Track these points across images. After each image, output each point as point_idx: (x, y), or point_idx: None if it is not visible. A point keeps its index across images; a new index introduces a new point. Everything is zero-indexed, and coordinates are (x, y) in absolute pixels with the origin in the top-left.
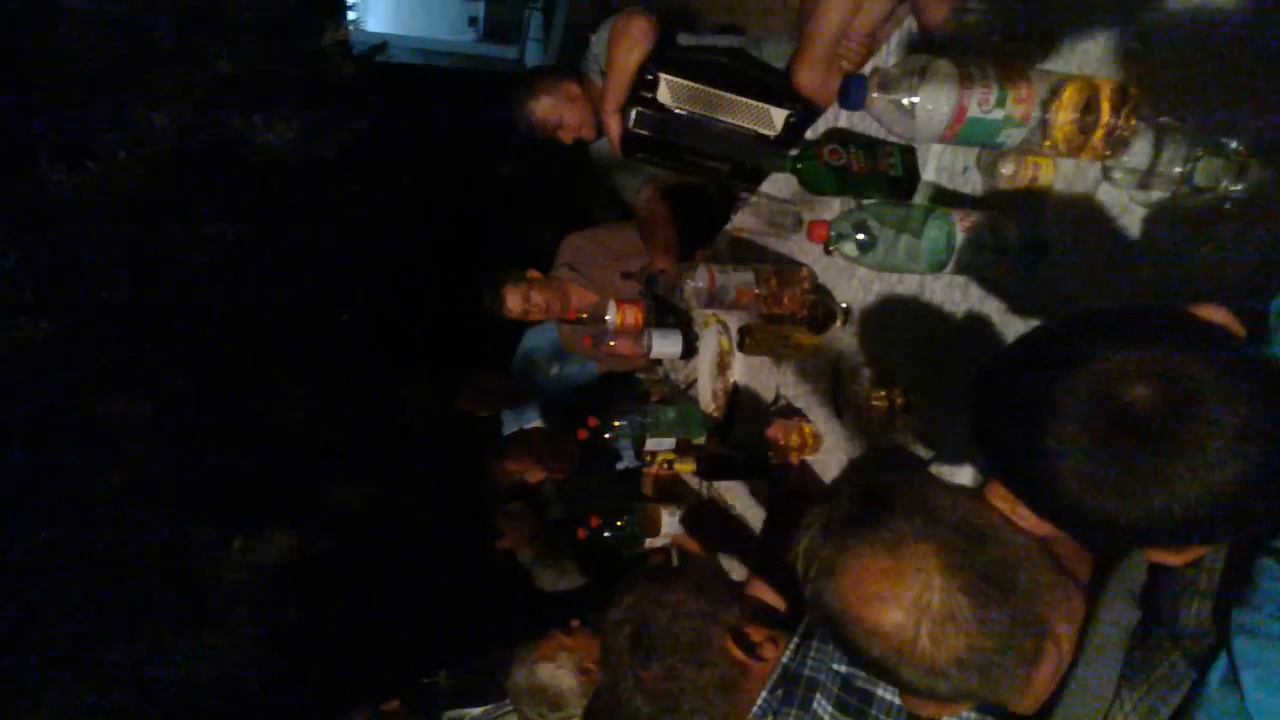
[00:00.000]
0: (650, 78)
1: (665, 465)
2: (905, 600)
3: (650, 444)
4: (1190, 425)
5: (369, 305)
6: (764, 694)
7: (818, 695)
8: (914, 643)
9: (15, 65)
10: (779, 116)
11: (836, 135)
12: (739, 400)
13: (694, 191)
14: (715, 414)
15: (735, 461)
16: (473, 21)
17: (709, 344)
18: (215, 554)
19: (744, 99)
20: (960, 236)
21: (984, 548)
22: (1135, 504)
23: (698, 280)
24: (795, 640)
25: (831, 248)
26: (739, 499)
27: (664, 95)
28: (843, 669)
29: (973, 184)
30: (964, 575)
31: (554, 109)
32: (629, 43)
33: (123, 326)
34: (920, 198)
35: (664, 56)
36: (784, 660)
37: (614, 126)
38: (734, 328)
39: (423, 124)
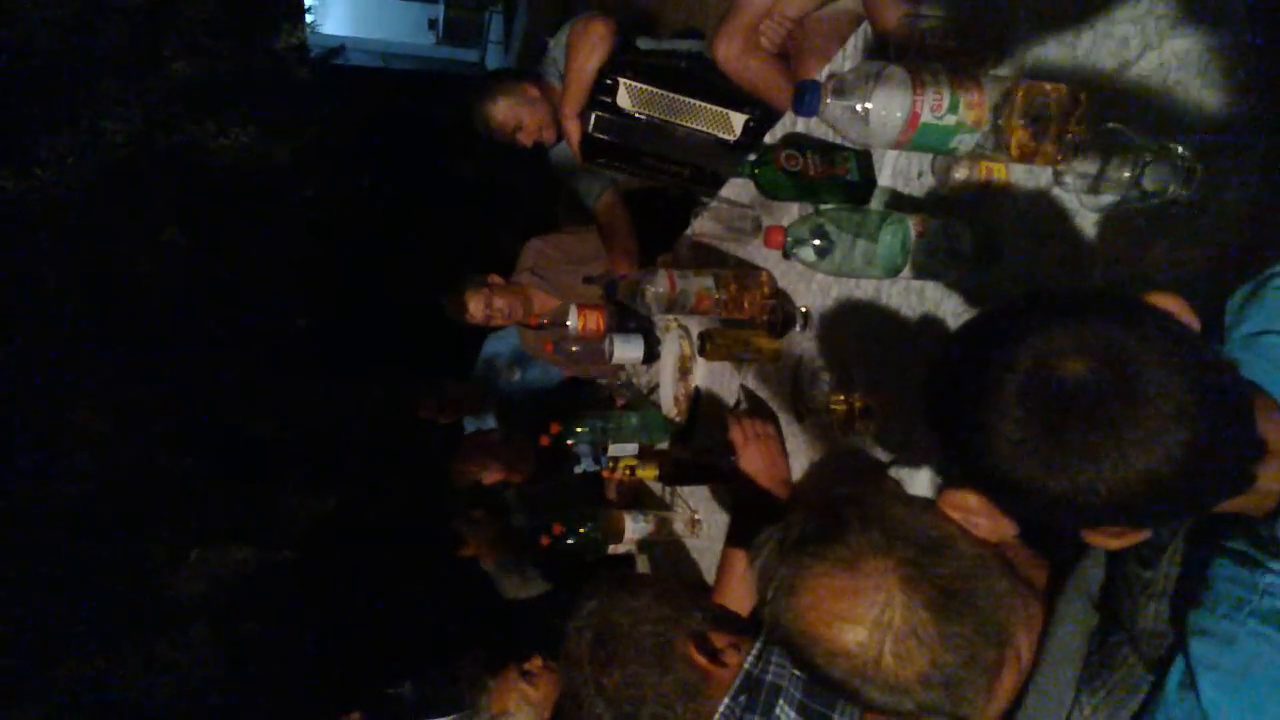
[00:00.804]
0: (609, 82)
1: (627, 471)
2: (867, 619)
3: (612, 449)
4: (1124, 404)
5: (327, 312)
6: (726, 700)
7: (780, 701)
8: (877, 661)
9: None
10: (738, 121)
11: (794, 140)
12: (701, 405)
13: (654, 196)
14: (677, 419)
15: (696, 466)
16: (432, 24)
17: (670, 349)
18: (172, 566)
19: (703, 103)
20: (915, 241)
21: (942, 560)
22: (1063, 476)
23: (658, 285)
24: (758, 646)
25: (789, 253)
26: (702, 504)
27: (623, 100)
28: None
29: (927, 188)
30: (924, 590)
31: (512, 111)
32: (588, 47)
33: (74, 336)
34: (877, 203)
35: (623, 61)
36: (747, 666)
37: (573, 131)
38: (695, 332)
39: (382, 127)
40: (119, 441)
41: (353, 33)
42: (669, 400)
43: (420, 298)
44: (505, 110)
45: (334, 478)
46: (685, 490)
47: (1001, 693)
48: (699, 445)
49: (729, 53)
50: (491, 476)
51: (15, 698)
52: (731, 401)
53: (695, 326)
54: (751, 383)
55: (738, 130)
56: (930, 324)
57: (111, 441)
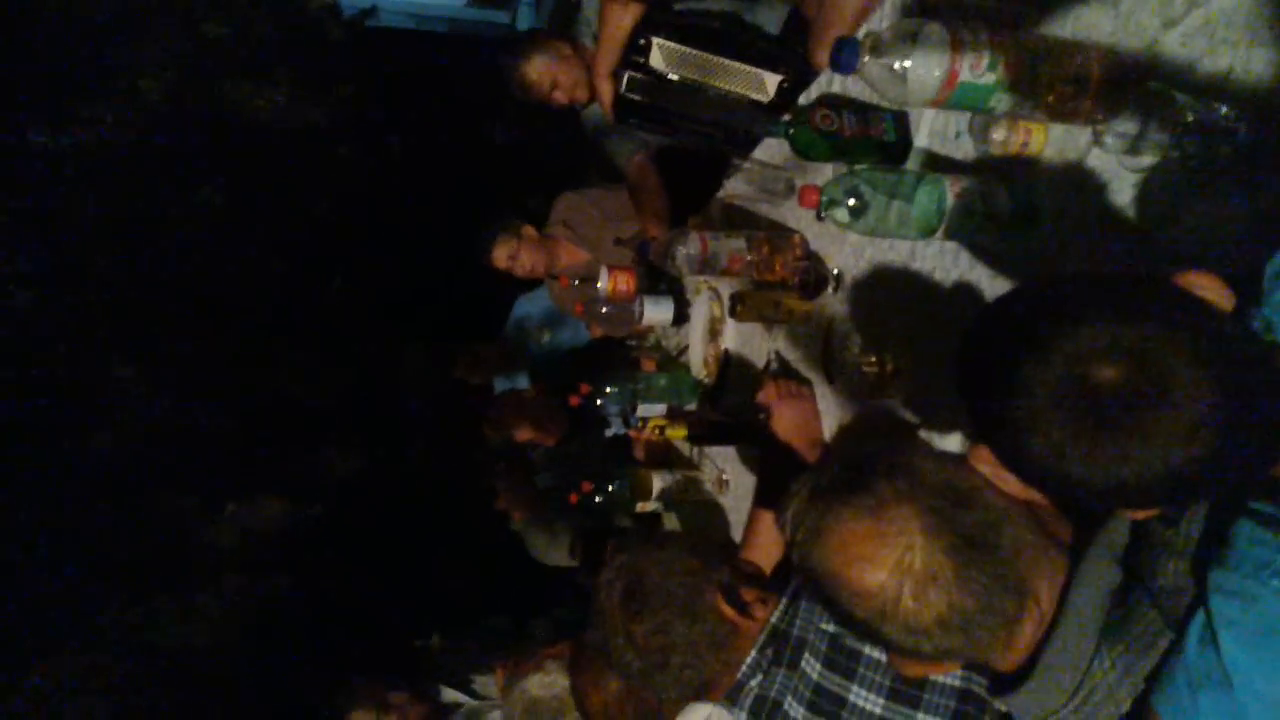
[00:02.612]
0: (642, 42)
1: (656, 431)
2: (888, 562)
3: (641, 409)
4: (1156, 408)
5: (360, 271)
6: (753, 653)
7: (806, 654)
8: (897, 603)
9: None
10: (772, 81)
11: (829, 100)
12: (730, 367)
13: (686, 157)
14: (706, 380)
15: (725, 427)
16: None
17: (700, 310)
18: (207, 519)
19: (737, 63)
20: (951, 202)
21: (966, 510)
22: (1094, 473)
23: (689, 247)
24: (784, 601)
25: (823, 214)
26: (730, 465)
27: (656, 59)
28: (831, 628)
29: (964, 149)
30: (945, 537)
31: (547, 70)
32: (621, 5)
33: (112, 293)
34: (913, 163)
35: (656, 20)
36: (773, 620)
37: (605, 91)
38: (725, 294)
39: (414, 89)
40: (156, 397)
41: None
42: (698, 361)
43: (451, 257)
44: (539, 69)
45: (367, 436)
46: (713, 450)
47: (1021, 642)
48: (728, 406)
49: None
50: (523, 435)
51: (59, 647)
52: (761, 364)
53: (726, 288)
54: (782, 345)
55: (771, 91)
56: (964, 287)
57: (148, 397)
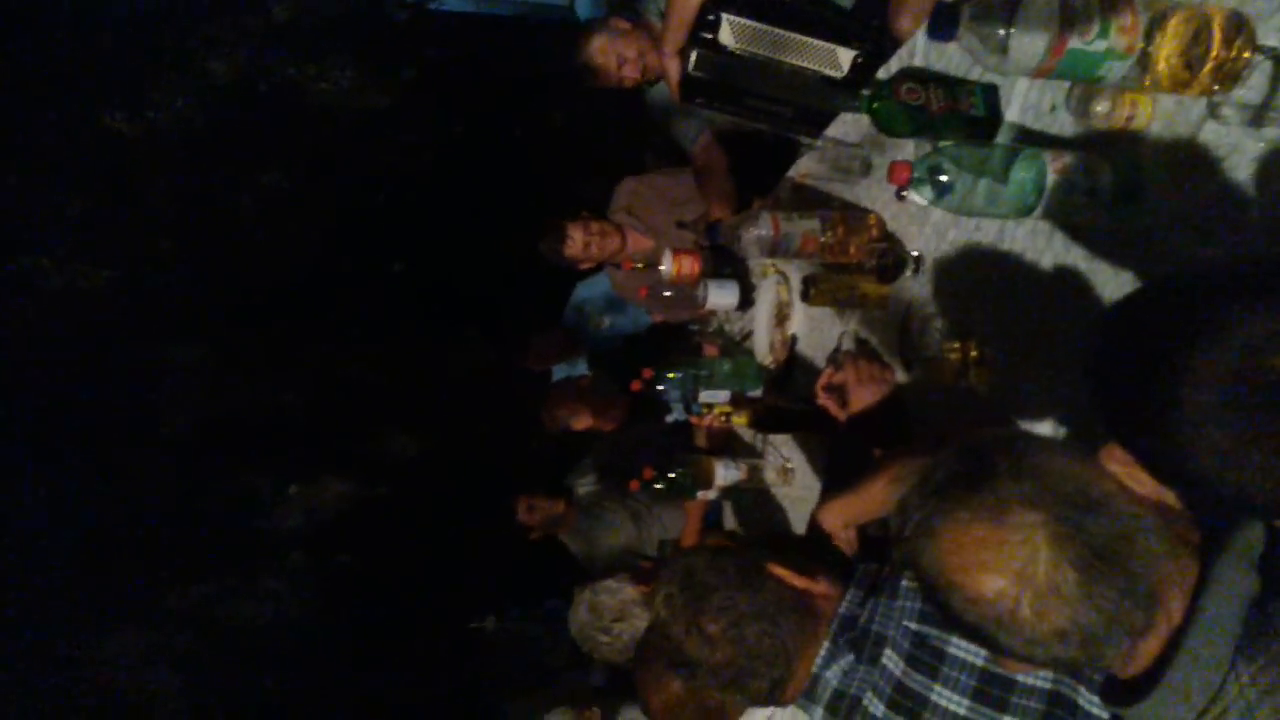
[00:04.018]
0: (711, 18)
1: (722, 418)
2: (1008, 570)
3: (703, 396)
4: None
5: (422, 256)
6: (826, 644)
7: (888, 650)
8: (1014, 613)
9: (75, 15)
10: (846, 57)
11: (912, 74)
12: (798, 353)
13: (753, 138)
14: (772, 366)
15: (792, 414)
16: None
17: (767, 294)
18: (273, 499)
19: (810, 39)
20: (1051, 179)
21: (1097, 519)
22: (1268, 482)
23: (761, 228)
24: (857, 592)
25: (904, 192)
26: (795, 454)
27: (725, 36)
28: (915, 625)
29: (1061, 125)
30: (1073, 548)
31: (610, 48)
32: None
33: (182, 275)
34: (1003, 139)
35: None
36: (842, 610)
37: (673, 70)
38: (793, 277)
39: (474, 73)
40: (223, 378)
41: None
42: (764, 347)
43: (512, 244)
44: (601, 49)
45: (427, 419)
46: (777, 439)
47: (1145, 651)
48: (795, 393)
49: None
50: (582, 423)
51: (129, 622)
52: (832, 349)
53: (793, 272)
54: (856, 330)
55: (845, 67)
56: (1059, 270)
57: (216, 378)
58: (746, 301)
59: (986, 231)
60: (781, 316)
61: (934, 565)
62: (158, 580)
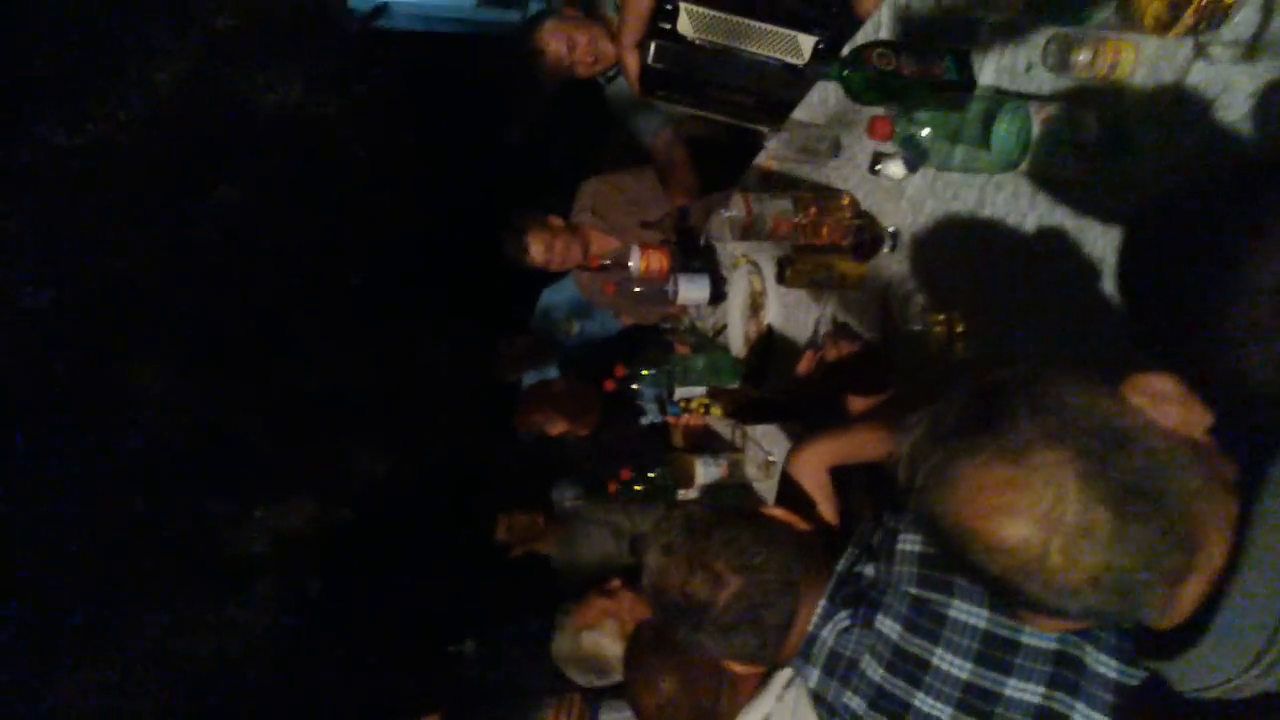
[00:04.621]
0: (669, 7)
1: (701, 409)
2: (1033, 513)
3: (680, 392)
4: None
5: (381, 269)
6: (823, 601)
7: (882, 615)
8: (1042, 559)
9: (7, 25)
10: (807, 44)
11: (883, 42)
12: (774, 342)
13: (715, 131)
14: (748, 358)
15: (771, 403)
16: None
17: (739, 285)
18: (236, 524)
19: (769, 26)
20: (1037, 131)
21: (1126, 453)
22: None
23: (732, 209)
24: (854, 550)
25: (877, 168)
26: (776, 447)
27: (684, 26)
28: (913, 590)
29: (1039, 83)
30: (1103, 485)
31: (559, 32)
32: None
33: (130, 294)
34: (976, 105)
35: None
36: (839, 568)
37: (631, 63)
38: (766, 266)
39: (426, 88)
40: (178, 399)
41: None
42: (738, 339)
43: (475, 251)
44: (551, 33)
45: (395, 435)
46: (757, 432)
47: (1186, 599)
48: (772, 385)
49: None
50: (556, 428)
51: (87, 658)
52: (808, 335)
53: (766, 260)
54: (833, 313)
55: (806, 54)
56: (1044, 231)
57: (171, 399)
58: (718, 295)
59: (964, 200)
60: (755, 306)
61: (950, 515)
62: (112, 613)
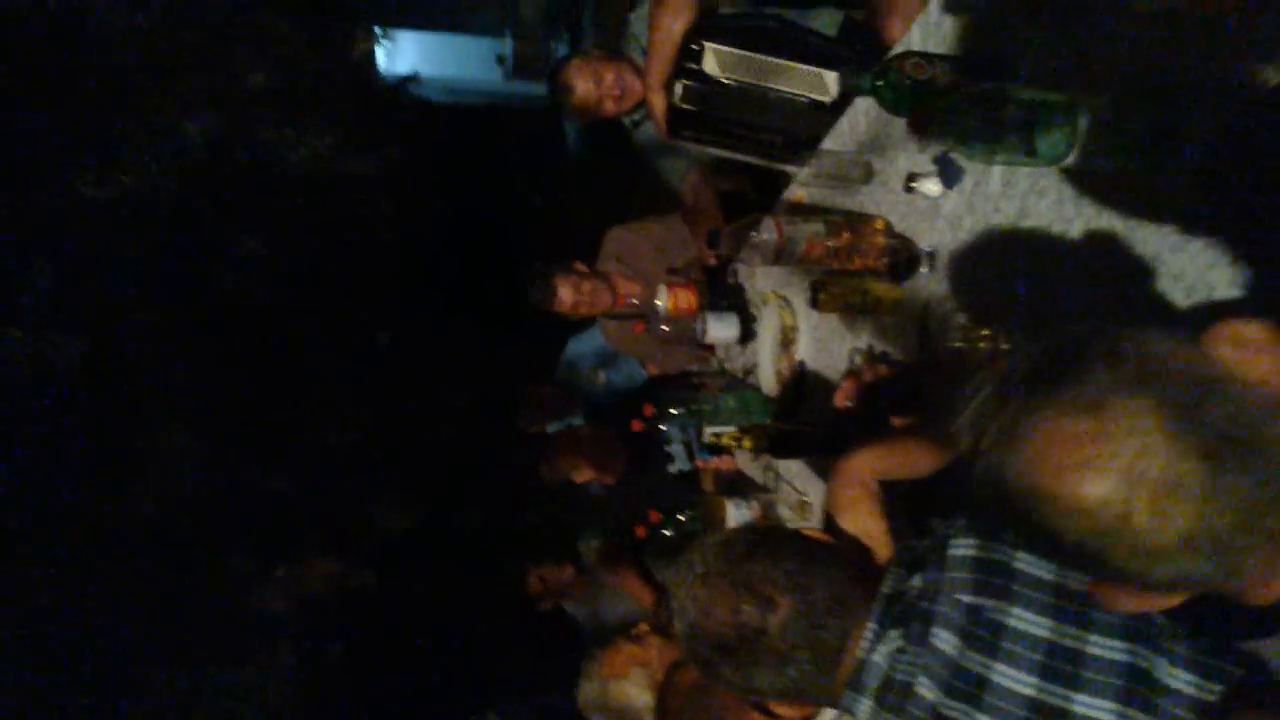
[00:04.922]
0: (695, 47)
1: (732, 443)
2: (1115, 467)
3: (709, 432)
4: None
5: (407, 321)
6: (871, 625)
7: (938, 628)
8: (1127, 519)
9: (43, 77)
10: (833, 79)
11: (917, 52)
12: (806, 379)
13: (741, 171)
14: (779, 395)
15: (805, 436)
16: (500, 60)
17: (769, 322)
18: (258, 583)
19: (796, 63)
20: (1084, 122)
21: (1215, 401)
22: None
23: (763, 232)
24: (899, 570)
25: (912, 185)
26: (810, 486)
27: (710, 65)
28: (968, 598)
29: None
30: (1191, 435)
31: (587, 71)
32: (671, 12)
33: (157, 346)
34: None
35: (709, 25)
36: (885, 590)
37: (658, 104)
38: (796, 301)
39: (455, 153)
40: (201, 456)
41: (422, 72)
42: (770, 377)
43: (500, 302)
44: (580, 73)
45: (419, 490)
46: (790, 473)
47: None
48: (807, 419)
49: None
50: (583, 475)
51: None
52: (842, 371)
53: (796, 296)
54: (867, 342)
55: (833, 90)
56: (1093, 236)
57: (194, 456)
58: (748, 334)
59: (1005, 212)
60: (787, 341)
61: (1022, 476)
62: (130, 677)
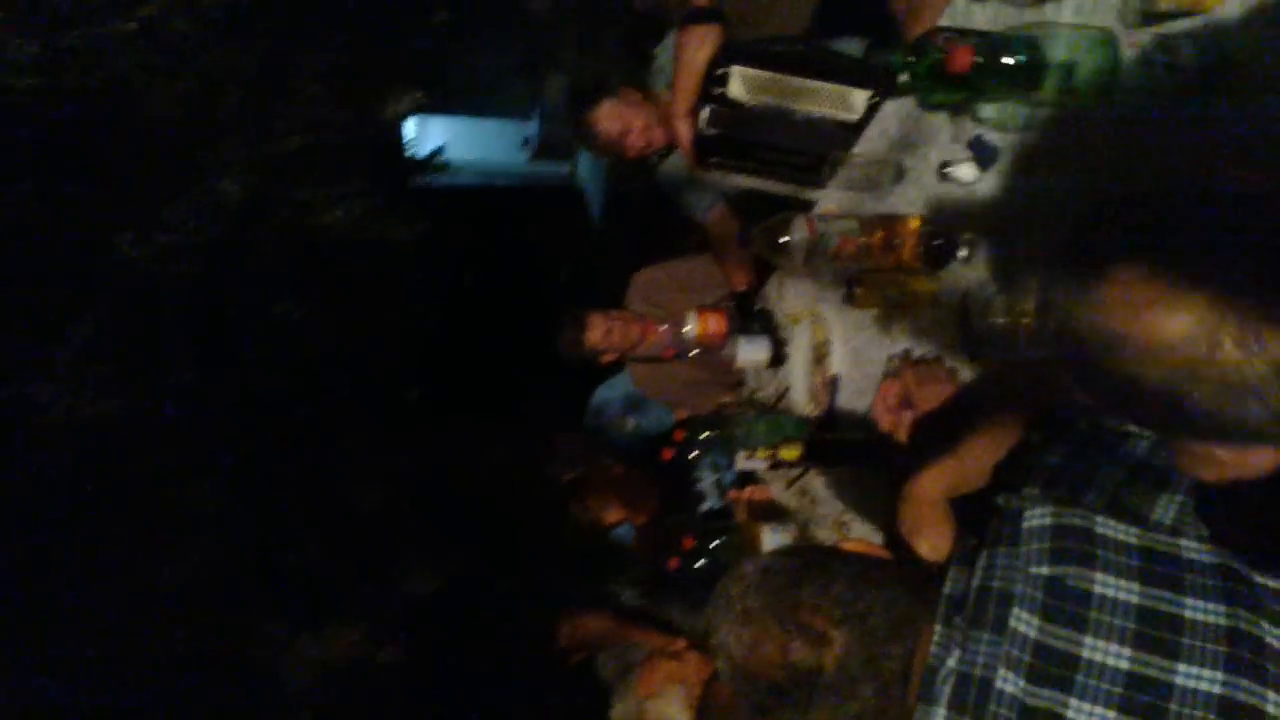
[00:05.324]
0: (721, 73)
1: (770, 453)
2: (1198, 300)
3: (741, 463)
4: None
5: (435, 378)
6: (938, 628)
7: (1016, 609)
8: (1212, 352)
9: (83, 136)
10: (860, 98)
11: (948, 28)
12: (841, 393)
13: (766, 202)
14: (815, 412)
15: (846, 443)
16: (526, 142)
17: (801, 339)
18: (281, 654)
19: (821, 83)
20: (1128, 53)
21: None
22: None
23: (795, 231)
24: (959, 569)
25: (946, 171)
26: (849, 509)
27: (736, 89)
28: (1046, 570)
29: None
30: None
31: (617, 116)
32: (697, 39)
33: (192, 407)
34: (1049, 89)
35: (734, 50)
36: (947, 591)
37: (684, 131)
38: (827, 314)
39: (481, 234)
40: (231, 520)
41: (450, 156)
42: (803, 396)
43: (526, 353)
44: (609, 116)
45: (449, 549)
46: (828, 494)
47: None
48: (848, 426)
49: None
50: (613, 515)
51: None
52: (880, 377)
53: (828, 309)
54: (906, 343)
55: (860, 109)
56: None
57: (224, 521)
58: (779, 358)
59: (1041, 182)
60: (820, 356)
61: (1096, 323)
62: None
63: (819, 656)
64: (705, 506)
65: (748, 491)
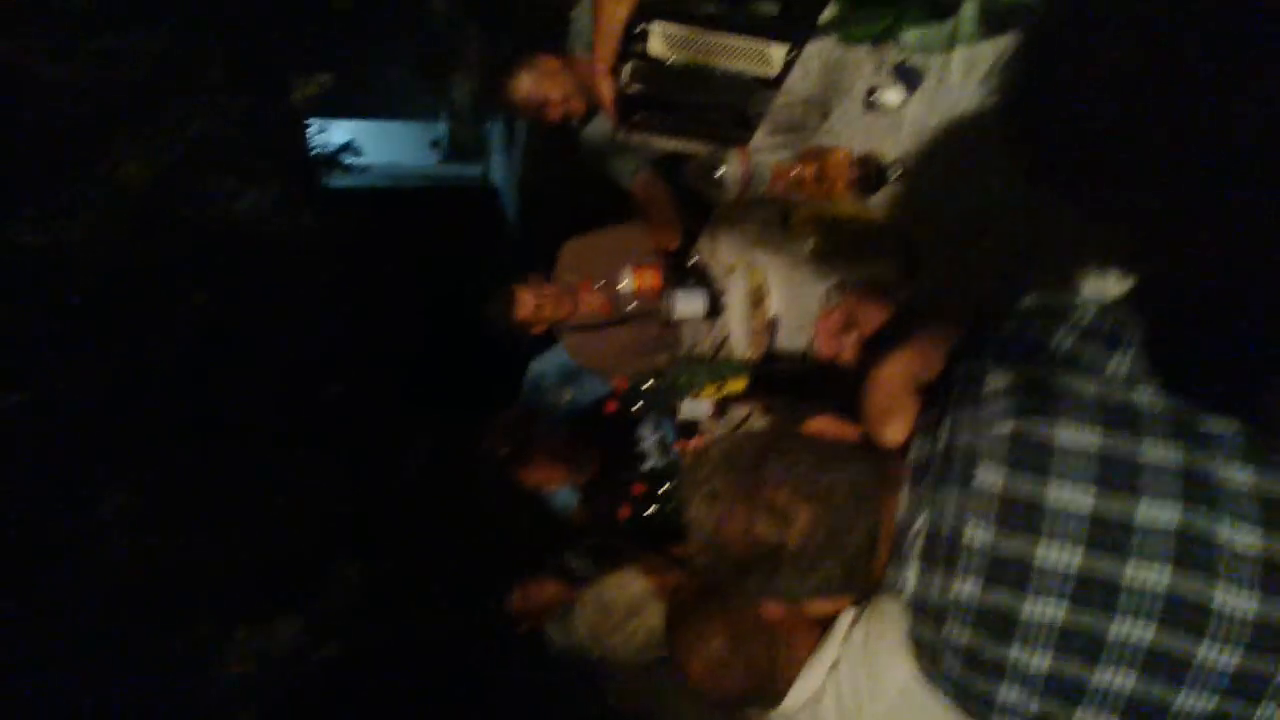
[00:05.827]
0: (640, 29)
1: (716, 390)
2: None
3: (685, 409)
4: None
5: (360, 368)
6: (904, 491)
7: (982, 462)
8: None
9: None
10: (778, 53)
11: None
12: (780, 338)
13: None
14: (755, 355)
15: (790, 374)
16: (435, 144)
17: (737, 285)
18: (219, 648)
19: (740, 38)
20: None
21: None
22: None
23: (730, 165)
24: (922, 438)
25: (872, 99)
26: None
27: (656, 46)
28: (1010, 424)
29: None
30: None
31: (536, 86)
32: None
33: (99, 398)
34: (970, 8)
35: (652, 6)
36: (911, 458)
37: (605, 90)
38: (762, 257)
39: (393, 234)
40: (152, 520)
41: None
42: (743, 338)
43: (455, 332)
44: (528, 86)
45: (387, 537)
46: None
47: None
48: (790, 358)
49: None
50: (555, 477)
51: None
52: (817, 312)
53: (762, 260)
54: (841, 278)
55: (777, 65)
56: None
57: (144, 521)
58: (716, 309)
59: (969, 102)
60: (757, 300)
61: None
62: None
63: (782, 533)
64: (648, 465)
65: (693, 442)
